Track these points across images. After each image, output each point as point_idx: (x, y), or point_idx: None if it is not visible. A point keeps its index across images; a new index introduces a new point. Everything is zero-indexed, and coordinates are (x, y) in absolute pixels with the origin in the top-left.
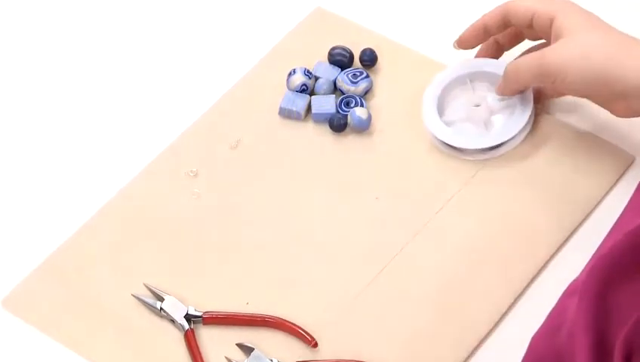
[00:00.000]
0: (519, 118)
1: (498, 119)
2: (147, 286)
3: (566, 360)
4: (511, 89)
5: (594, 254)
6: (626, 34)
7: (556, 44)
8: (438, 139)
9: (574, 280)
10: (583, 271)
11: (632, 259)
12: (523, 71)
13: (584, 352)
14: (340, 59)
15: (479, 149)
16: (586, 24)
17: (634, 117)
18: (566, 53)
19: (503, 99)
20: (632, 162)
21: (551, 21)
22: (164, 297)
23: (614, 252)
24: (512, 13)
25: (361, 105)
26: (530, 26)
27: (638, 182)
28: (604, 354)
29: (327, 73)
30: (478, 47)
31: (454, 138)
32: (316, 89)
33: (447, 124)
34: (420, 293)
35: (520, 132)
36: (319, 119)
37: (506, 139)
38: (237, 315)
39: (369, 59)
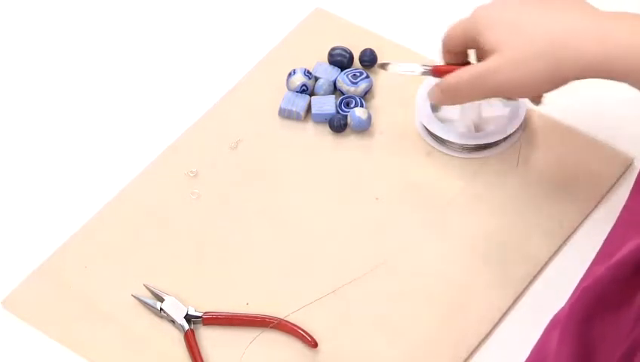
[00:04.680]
0: (509, 125)
1: (489, 125)
2: (147, 287)
3: None
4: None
5: (578, 284)
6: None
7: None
8: (426, 129)
9: (558, 312)
10: (566, 303)
11: (614, 292)
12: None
13: None
14: (340, 60)
15: (464, 146)
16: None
17: None
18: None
19: (497, 107)
20: (631, 164)
21: (478, 39)
22: (164, 298)
23: (596, 286)
24: (450, 45)
25: (361, 106)
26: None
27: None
28: None
29: (327, 73)
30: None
31: (441, 129)
32: (316, 89)
33: (438, 119)
34: (420, 293)
35: (507, 138)
36: (319, 119)
37: (490, 141)
38: (237, 315)
39: (369, 59)
